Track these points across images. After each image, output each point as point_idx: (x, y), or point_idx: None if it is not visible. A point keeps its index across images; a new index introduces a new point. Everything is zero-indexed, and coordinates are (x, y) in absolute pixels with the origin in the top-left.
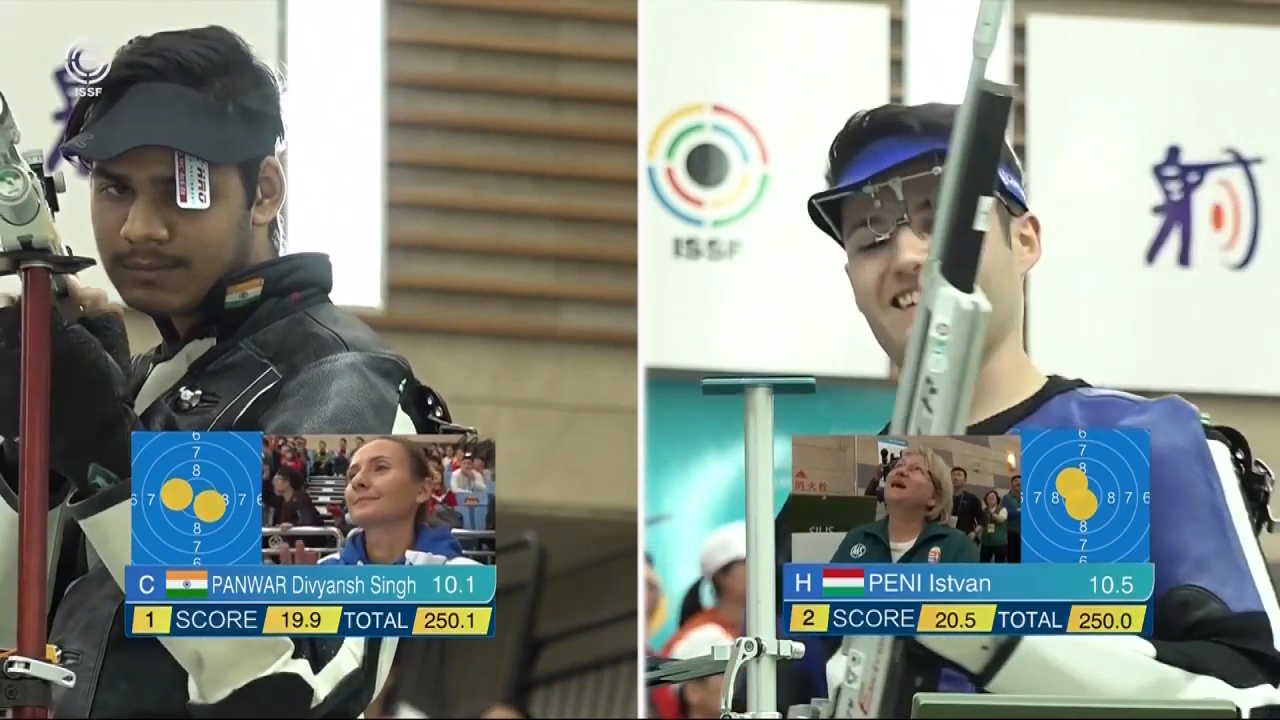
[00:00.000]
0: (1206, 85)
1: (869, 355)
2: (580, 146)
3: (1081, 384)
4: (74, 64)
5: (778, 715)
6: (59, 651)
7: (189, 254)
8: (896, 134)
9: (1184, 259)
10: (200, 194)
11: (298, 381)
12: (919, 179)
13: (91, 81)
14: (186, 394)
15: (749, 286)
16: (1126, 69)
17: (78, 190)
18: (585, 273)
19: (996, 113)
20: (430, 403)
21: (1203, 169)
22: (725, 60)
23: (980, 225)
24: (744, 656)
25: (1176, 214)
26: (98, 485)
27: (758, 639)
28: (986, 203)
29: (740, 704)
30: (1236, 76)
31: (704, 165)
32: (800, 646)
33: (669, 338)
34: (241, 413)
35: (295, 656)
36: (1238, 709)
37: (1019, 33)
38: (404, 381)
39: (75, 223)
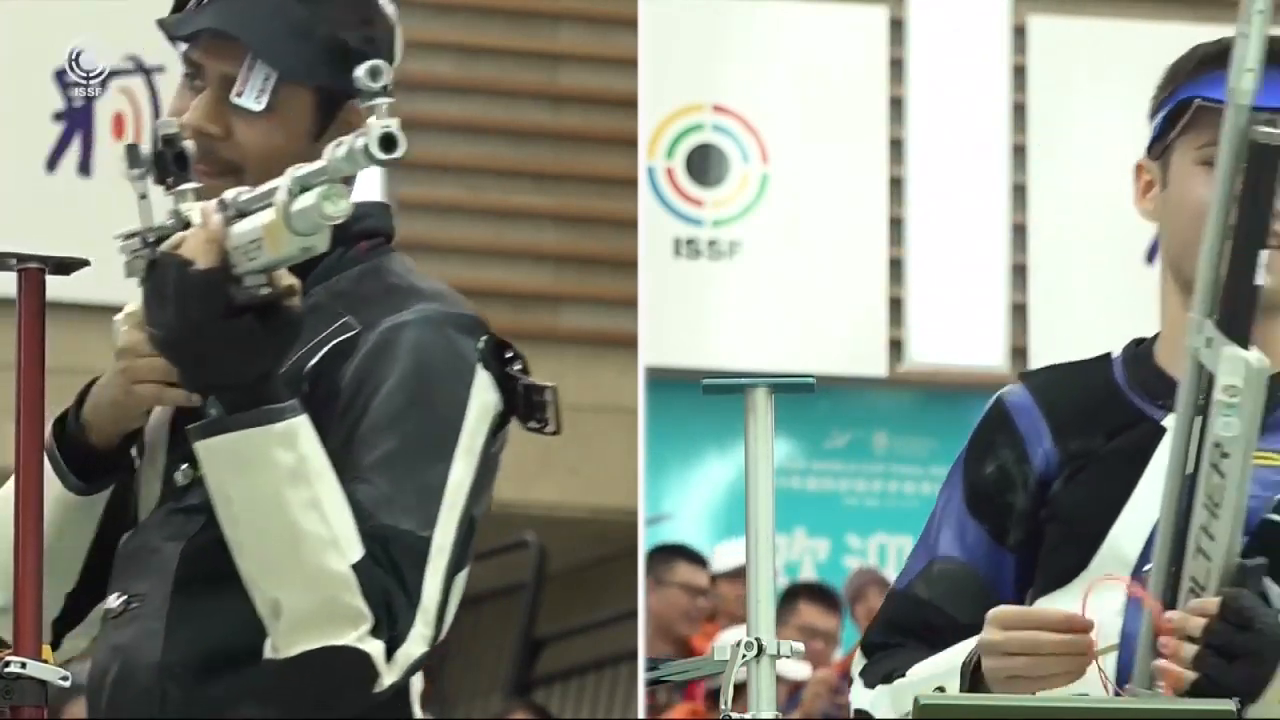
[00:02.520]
0: None
1: (869, 355)
2: (580, 146)
3: None
4: (74, 64)
5: (778, 715)
6: (123, 597)
7: (242, 160)
8: None
9: None
10: (258, 96)
11: (375, 335)
12: None
13: (91, 81)
14: None
15: (749, 286)
16: (1126, 69)
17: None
18: (585, 273)
19: (1267, 162)
20: (509, 356)
21: None
22: (725, 60)
23: (1259, 280)
24: (744, 657)
25: None
26: (210, 413)
27: (758, 639)
28: (1264, 256)
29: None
30: None
31: (704, 165)
32: (800, 646)
33: (669, 338)
34: (314, 361)
35: (374, 634)
36: (1236, 709)
37: (1019, 33)
38: (483, 337)
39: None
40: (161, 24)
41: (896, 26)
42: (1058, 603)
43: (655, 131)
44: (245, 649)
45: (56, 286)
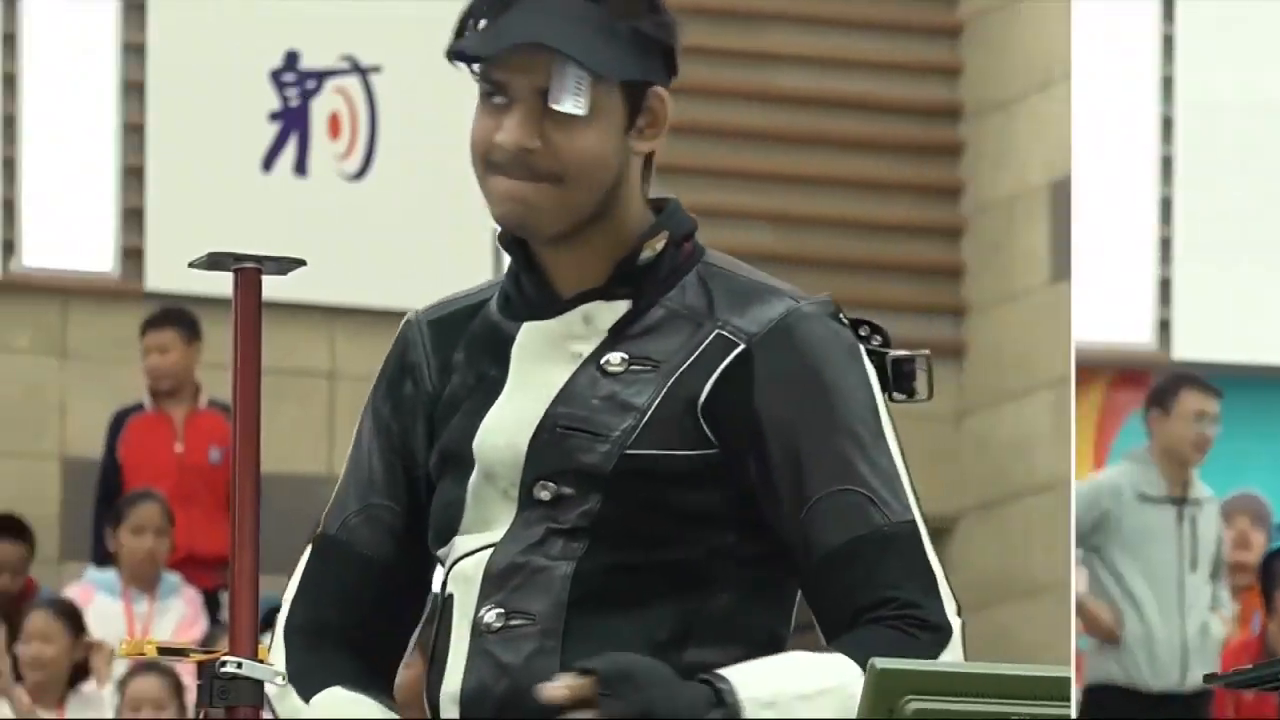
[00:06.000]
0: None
1: None
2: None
3: None
4: (290, 64)
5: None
6: (498, 611)
7: (562, 168)
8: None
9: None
10: (576, 100)
11: (768, 352)
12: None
13: (307, 81)
14: (613, 357)
15: None
16: None
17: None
18: None
19: None
20: (865, 334)
21: None
22: None
23: None
24: None
25: None
26: None
27: None
28: None
29: None
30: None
31: None
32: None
33: None
34: (706, 391)
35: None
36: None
37: None
38: (841, 314)
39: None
40: (456, 52)
41: None
42: None
43: None
44: None
45: (271, 286)
